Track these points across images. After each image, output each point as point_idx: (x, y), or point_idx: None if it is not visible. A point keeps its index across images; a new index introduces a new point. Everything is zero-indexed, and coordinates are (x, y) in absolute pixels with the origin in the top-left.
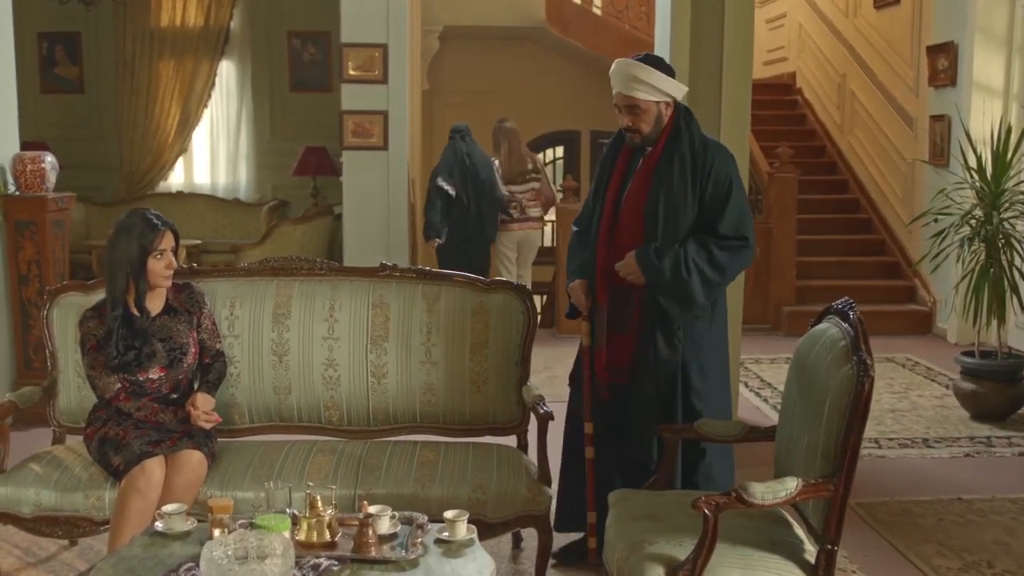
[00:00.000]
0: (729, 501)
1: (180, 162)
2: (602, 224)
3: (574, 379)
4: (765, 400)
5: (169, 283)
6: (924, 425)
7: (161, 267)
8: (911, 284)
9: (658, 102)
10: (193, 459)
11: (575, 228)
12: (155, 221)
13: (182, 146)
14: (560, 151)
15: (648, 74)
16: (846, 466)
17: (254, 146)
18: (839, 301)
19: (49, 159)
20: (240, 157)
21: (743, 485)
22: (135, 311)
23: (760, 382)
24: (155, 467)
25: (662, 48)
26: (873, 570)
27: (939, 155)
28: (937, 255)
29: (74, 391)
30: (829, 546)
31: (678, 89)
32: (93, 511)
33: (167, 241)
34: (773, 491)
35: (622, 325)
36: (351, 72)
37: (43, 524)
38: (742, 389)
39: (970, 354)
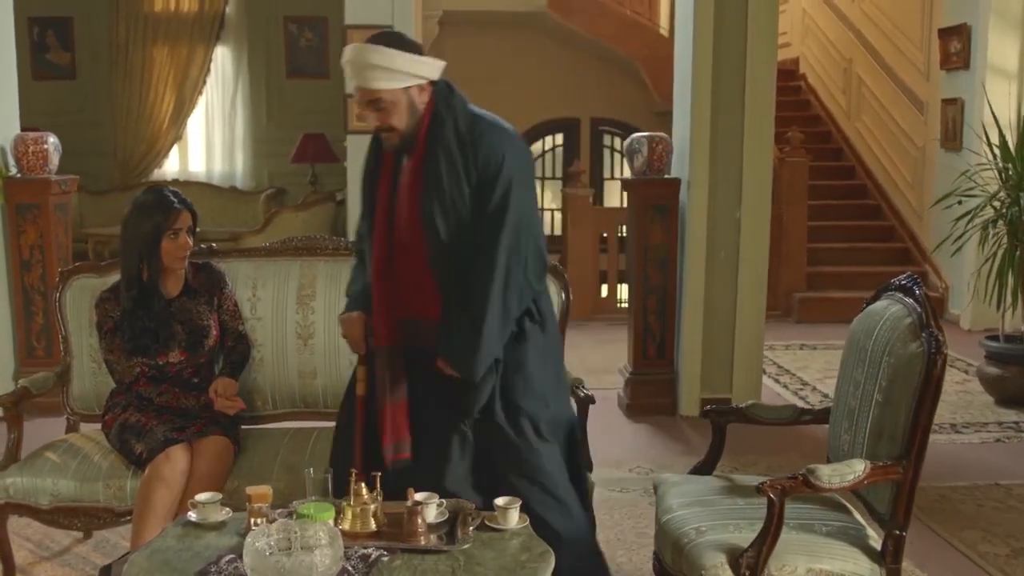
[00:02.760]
0: (795, 485)
1: (175, 149)
2: (375, 248)
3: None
4: (785, 387)
5: (184, 265)
6: (950, 411)
7: (175, 248)
8: (922, 270)
9: (407, 88)
10: (219, 446)
11: (356, 250)
12: (171, 199)
13: (177, 133)
14: (560, 139)
15: (386, 57)
16: (916, 448)
17: (250, 133)
18: (901, 277)
19: (52, 140)
20: (236, 144)
21: (810, 468)
22: (150, 292)
23: (778, 368)
24: (180, 454)
25: (683, 32)
26: (920, 557)
27: (951, 139)
28: (959, 237)
29: (89, 377)
30: (897, 531)
31: (431, 67)
32: (114, 501)
33: (182, 221)
34: (841, 474)
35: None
36: None
37: (61, 515)
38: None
39: (994, 338)
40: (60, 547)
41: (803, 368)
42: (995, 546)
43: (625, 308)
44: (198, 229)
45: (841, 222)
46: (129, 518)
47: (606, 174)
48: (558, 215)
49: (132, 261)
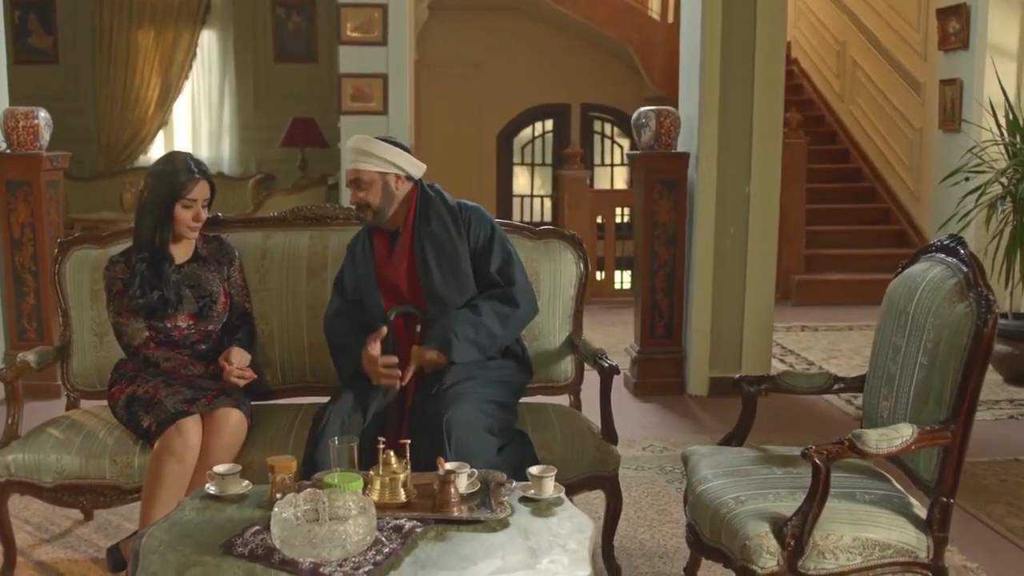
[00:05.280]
0: (841, 450)
1: (160, 135)
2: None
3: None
4: (791, 367)
5: (195, 235)
6: None
7: (188, 217)
8: None
9: (384, 173)
10: (232, 419)
11: (330, 311)
12: (192, 168)
13: (162, 119)
14: (550, 124)
15: (371, 145)
16: (965, 411)
17: (237, 119)
18: (942, 238)
19: (43, 115)
20: (223, 130)
21: (855, 433)
22: (160, 256)
23: (782, 349)
24: (191, 427)
25: (691, 16)
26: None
27: (950, 120)
28: (967, 215)
29: (90, 351)
30: (945, 499)
31: (413, 165)
32: (121, 478)
33: (200, 191)
34: (888, 439)
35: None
36: (349, 33)
37: (66, 493)
38: None
39: (1003, 316)
40: (61, 529)
41: (807, 349)
42: (1022, 520)
43: (623, 292)
44: None
45: (837, 205)
46: (137, 496)
47: (596, 160)
48: (547, 202)
49: (147, 224)
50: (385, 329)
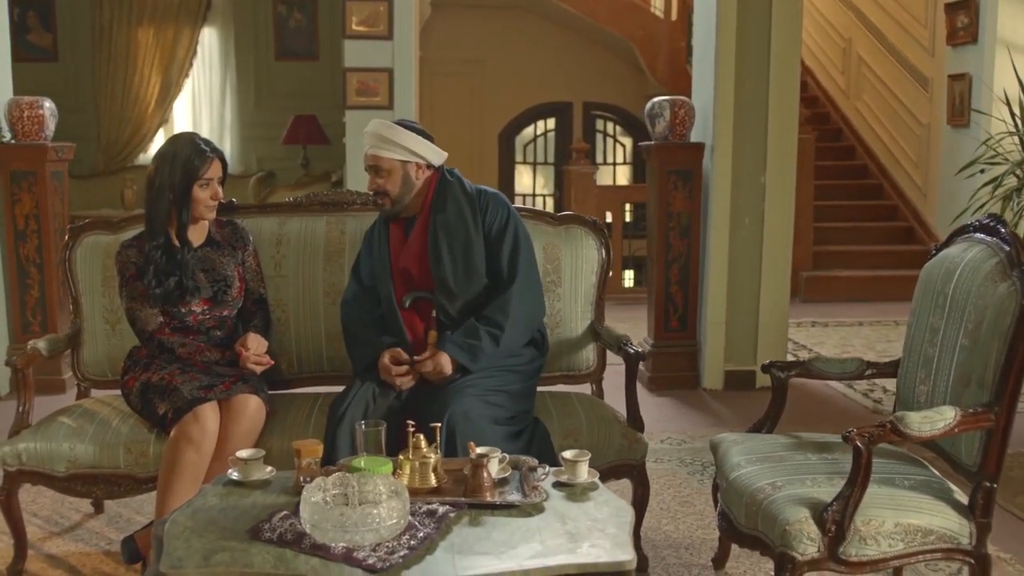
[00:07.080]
0: (884, 433)
1: (160, 133)
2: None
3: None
4: None
5: (213, 215)
6: None
7: (206, 197)
8: (927, 249)
9: (404, 162)
10: (250, 405)
11: (347, 297)
12: (203, 147)
13: (163, 117)
14: (552, 123)
15: (393, 132)
16: (1009, 393)
17: (238, 117)
18: (981, 218)
19: (48, 105)
20: (224, 128)
21: (898, 416)
22: (176, 243)
23: (794, 344)
24: (209, 414)
25: (705, 3)
26: None
27: (958, 115)
28: (981, 207)
29: (102, 339)
30: (988, 483)
31: (434, 153)
32: (136, 467)
33: (214, 170)
34: (931, 422)
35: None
36: (355, 27)
37: (79, 483)
38: None
39: None
40: (71, 522)
41: (819, 344)
42: None
43: (630, 289)
44: None
45: (843, 202)
46: (152, 486)
47: (599, 159)
48: (550, 201)
49: (161, 209)
50: (404, 355)
